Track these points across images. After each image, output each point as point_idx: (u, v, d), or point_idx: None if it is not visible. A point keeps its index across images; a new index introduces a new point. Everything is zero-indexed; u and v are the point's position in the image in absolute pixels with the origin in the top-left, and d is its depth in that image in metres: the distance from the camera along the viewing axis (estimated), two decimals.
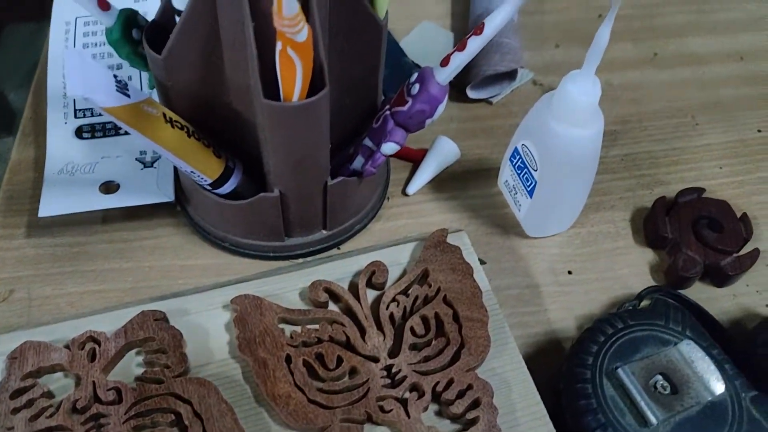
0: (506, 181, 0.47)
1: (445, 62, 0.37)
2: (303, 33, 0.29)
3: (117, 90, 0.33)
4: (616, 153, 0.52)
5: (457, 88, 0.54)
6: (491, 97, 0.55)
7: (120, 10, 0.38)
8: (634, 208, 0.49)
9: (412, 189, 0.48)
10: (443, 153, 0.49)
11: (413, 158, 0.50)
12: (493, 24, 0.36)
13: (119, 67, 0.50)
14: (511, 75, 0.55)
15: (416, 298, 0.38)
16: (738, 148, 0.53)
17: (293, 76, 0.32)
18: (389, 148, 0.40)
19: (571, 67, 0.58)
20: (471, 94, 0.54)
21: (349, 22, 0.37)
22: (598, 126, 0.40)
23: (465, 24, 0.61)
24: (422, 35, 0.60)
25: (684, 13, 0.66)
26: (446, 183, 0.49)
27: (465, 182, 0.49)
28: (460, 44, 0.37)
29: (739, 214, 0.47)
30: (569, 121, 0.39)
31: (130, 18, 0.39)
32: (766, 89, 0.59)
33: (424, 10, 0.63)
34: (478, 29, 0.36)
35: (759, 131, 0.55)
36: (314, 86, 0.34)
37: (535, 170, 0.42)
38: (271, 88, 0.33)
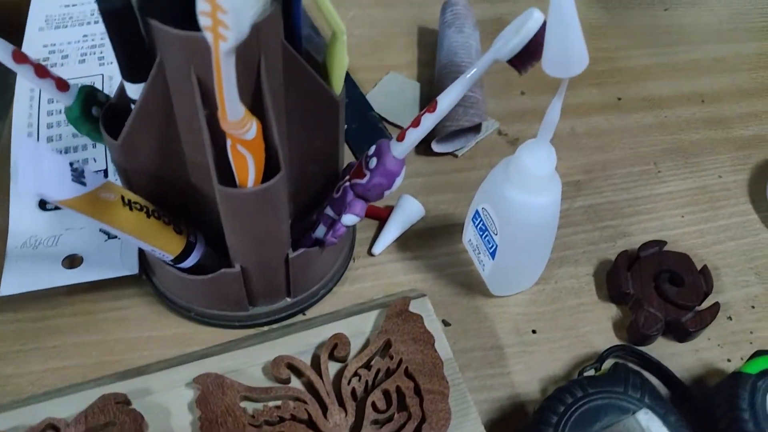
0: (470, 240, 0.47)
1: (401, 137, 0.38)
2: (251, 132, 0.29)
3: (72, 180, 0.33)
4: (580, 204, 0.53)
5: (423, 142, 0.55)
6: (457, 150, 0.55)
7: (79, 89, 0.39)
8: (598, 262, 0.49)
9: (377, 249, 0.48)
10: (408, 212, 0.49)
11: (379, 216, 0.50)
12: (445, 101, 0.36)
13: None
14: (476, 127, 0.55)
15: (378, 371, 0.38)
16: (699, 196, 0.54)
17: (245, 167, 0.32)
18: (349, 219, 0.40)
19: (536, 115, 0.59)
20: (436, 148, 0.54)
21: (306, 100, 0.37)
22: (554, 193, 0.40)
23: (432, 72, 0.62)
24: (389, 86, 0.60)
25: (647, 55, 0.67)
26: (412, 241, 0.49)
27: (431, 240, 0.50)
28: (414, 121, 0.37)
29: (700, 266, 0.47)
30: (526, 189, 0.39)
31: (89, 96, 0.39)
32: (726, 132, 0.60)
33: (392, 59, 0.64)
34: (431, 107, 0.37)
35: (720, 177, 0.56)
36: (270, 169, 0.34)
37: (496, 234, 0.43)
38: (227, 171, 0.34)
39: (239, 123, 0.28)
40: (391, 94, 0.60)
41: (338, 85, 0.38)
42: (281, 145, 0.37)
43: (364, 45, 0.65)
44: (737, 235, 0.52)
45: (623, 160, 0.57)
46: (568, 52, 0.31)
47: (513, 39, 0.33)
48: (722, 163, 0.57)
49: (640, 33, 0.69)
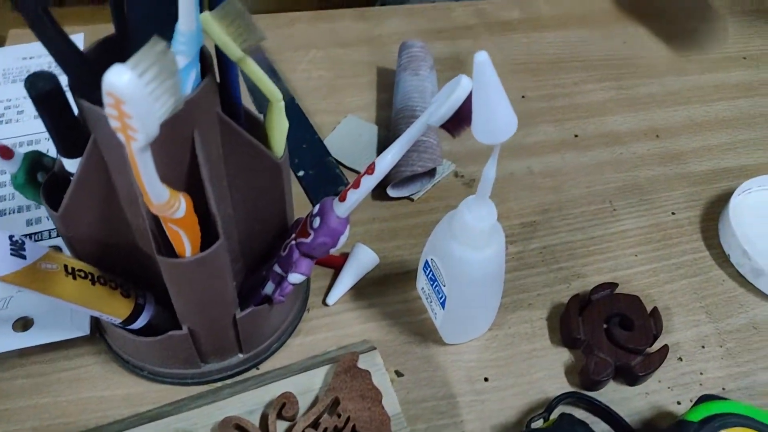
0: (422, 288, 0.48)
1: (342, 198, 0.38)
2: (180, 211, 0.30)
3: (12, 254, 0.34)
4: (535, 246, 0.54)
5: (379, 186, 0.55)
6: (412, 194, 0.56)
7: (24, 156, 0.39)
8: (552, 305, 0.50)
9: (331, 299, 0.48)
10: (361, 261, 0.50)
11: (334, 265, 0.51)
12: (383, 164, 0.37)
13: None
14: (431, 171, 0.56)
15: (326, 429, 0.39)
16: (652, 234, 0.55)
17: (180, 241, 0.32)
18: (296, 278, 0.40)
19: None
20: (392, 192, 0.55)
21: (247, 165, 0.38)
22: (497, 245, 0.41)
23: (390, 114, 0.63)
24: (347, 130, 0.61)
25: (604, 89, 0.68)
26: (366, 290, 0.50)
27: (385, 288, 0.50)
28: (354, 182, 0.38)
29: (651, 306, 0.48)
30: (468, 245, 0.40)
31: (34, 162, 0.39)
32: (680, 167, 0.61)
33: (350, 101, 0.64)
34: (370, 169, 0.37)
35: (673, 213, 0.57)
36: (210, 237, 0.35)
37: (444, 285, 0.43)
38: (167, 240, 0.34)
39: (165, 205, 0.28)
40: (349, 137, 0.60)
41: (279, 149, 0.39)
42: (220, 212, 0.38)
43: (323, 87, 0.66)
44: (689, 272, 0.52)
45: (579, 199, 0.57)
46: (494, 120, 0.32)
47: (443, 106, 0.34)
48: (676, 199, 0.58)
49: (599, 66, 0.70)
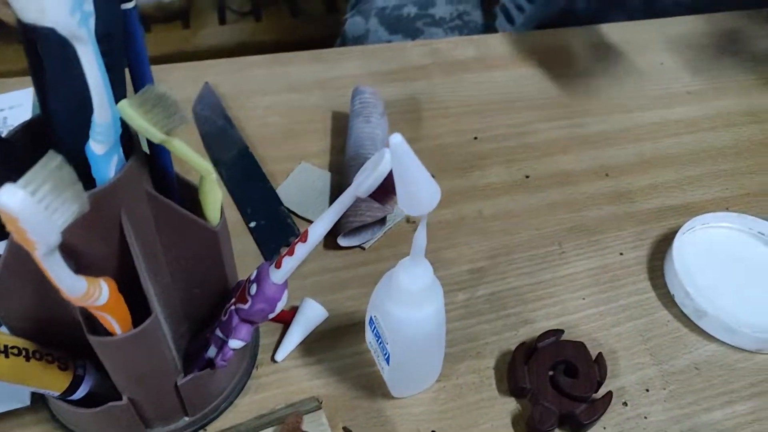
0: (370, 341, 0.48)
1: (278, 264, 0.39)
2: (102, 298, 0.30)
3: None
4: (483, 293, 0.54)
5: (330, 235, 0.56)
6: (364, 243, 0.56)
7: None
8: (500, 354, 0.50)
9: (280, 356, 0.49)
10: (310, 316, 0.50)
11: (283, 320, 0.51)
12: (315, 233, 0.37)
13: None
14: (382, 219, 0.57)
15: None
16: (600, 275, 0.56)
17: (108, 322, 0.33)
18: (236, 344, 0.41)
19: (445, 200, 0.61)
20: (342, 242, 0.55)
21: (182, 235, 0.38)
22: (436, 302, 0.41)
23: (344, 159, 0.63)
24: (300, 178, 0.61)
25: (556, 128, 0.69)
26: (315, 345, 0.50)
27: (335, 341, 0.50)
28: (289, 249, 0.38)
29: (597, 352, 0.49)
30: (406, 305, 0.41)
31: None
32: (629, 206, 0.62)
33: (304, 148, 0.65)
34: (303, 237, 0.38)
35: (621, 254, 0.58)
36: (142, 313, 0.35)
37: (387, 343, 0.44)
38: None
39: (84, 296, 0.28)
40: (303, 185, 0.61)
41: (214, 218, 0.39)
42: (158, 281, 0.38)
43: (278, 134, 0.66)
44: (635, 314, 0.53)
45: (528, 241, 0.58)
46: (416, 195, 0.33)
47: (369, 178, 0.34)
48: (624, 239, 0.59)
49: (551, 104, 0.72)
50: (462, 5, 0.86)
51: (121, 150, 0.32)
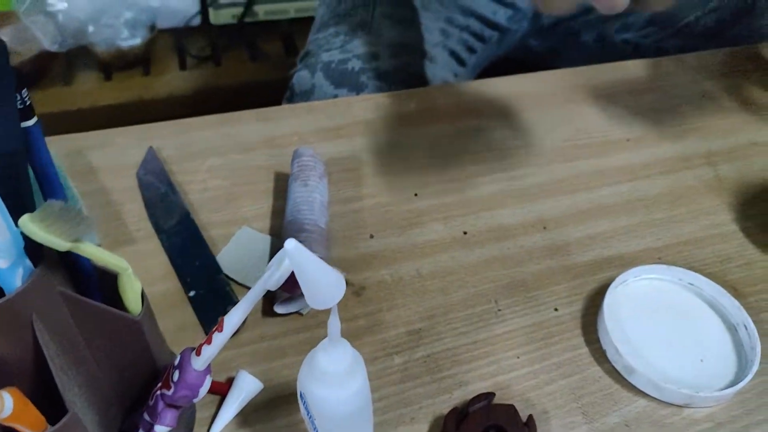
0: (303, 414, 0.49)
1: (198, 352, 0.39)
2: (6, 410, 0.30)
3: None
4: (420, 355, 0.55)
5: (268, 302, 0.57)
6: (301, 309, 0.57)
7: None
8: (434, 418, 0.51)
9: (215, 430, 0.49)
10: (244, 389, 0.50)
11: (220, 392, 0.51)
12: (231, 323, 0.38)
13: None
14: None
15: None
16: (535, 333, 0.57)
17: (20, 430, 0.33)
18: (161, 429, 0.41)
19: (384, 260, 0.62)
20: (279, 309, 0.56)
21: (102, 327, 0.39)
22: (357, 382, 0.42)
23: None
24: (240, 243, 0.62)
25: (495, 181, 0.71)
26: (252, 416, 0.50)
27: (271, 412, 0.51)
28: (207, 338, 0.39)
29: (528, 414, 0.50)
30: (327, 385, 0.41)
31: None
32: (565, 259, 0.63)
33: (246, 211, 0.66)
34: (220, 326, 0.38)
35: (556, 309, 0.59)
36: (59, 409, 0.35)
37: (315, 419, 0.44)
38: None
39: None
40: (243, 250, 0.62)
41: (135, 309, 0.40)
42: (81, 373, 0.38)
43: (221, 197, 0.67)
44: (568, 372, 0.54)
45: (465, 300, 0.59)
46: (318, 291, 0.34)
47: (275, 274, 0.35)
48: (559, 294, 0.60)
49: (491, 157, 0.73)
50: (405, 57, 0.88)
51: (27, 260, 0.32)
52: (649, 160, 0.74)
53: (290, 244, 0.31)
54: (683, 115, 0.80)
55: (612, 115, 0.80)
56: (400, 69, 0.86)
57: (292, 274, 0.36)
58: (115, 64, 1.43)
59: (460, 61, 1.08)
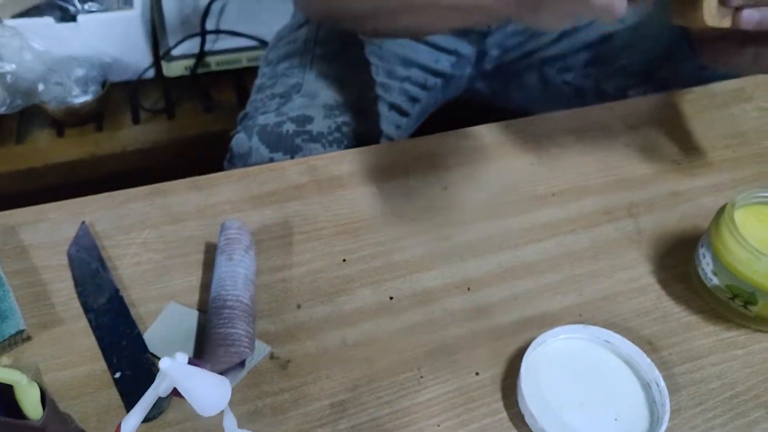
0: None
1: None
2: None
3: None
4: (343, 427, 0.56)
5: None
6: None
7: None
8: None
9: None
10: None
11: None
12: (128, 427, 0.39)
13: None
14: (241, 362, 0.58)
15: None
16: (456, 399, 0.59)
17: None
18: None
19: (310, 330, 0.63)
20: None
21: None
22: None
23: None
24: (168, 319, 0.63)
25: (422, 243, 0.72)
26: None
27: None
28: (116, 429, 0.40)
29: None
30: None
31: None
32: (488, 321, 0.65)
33: (176, 285, 0.67)
34: (117, 430, 0.39)
35: (477, 374, 0.61)
36: None
37: None
38: None
39: None
40: (170, 327, 0.63)
41: (36, 415, 0.40)
42: None
43: (151, 271, 0.68)
44: None
45: (389, 368, 0.61)
46: (201, 401, 0.35)
47: (163, 383, 0.36)
48: (480, 357, 0.62)
49: (419, 218, 0.75)
50: (341, 117, 0.90)
51: None
52: (574, 215, 0.76)
53: (164, 363, 0.32)
54: (608, 165, 0.83)
55: (540, 168, 0.83)
56: (336, 129, 0.88)
57: None
58: (68, 121, 1.43)
59: (403, 113, 1.11)
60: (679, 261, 0.71)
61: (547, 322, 0.65)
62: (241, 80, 1.63)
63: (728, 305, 0.65)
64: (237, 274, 0.62)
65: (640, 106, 0.93)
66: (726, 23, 0.66)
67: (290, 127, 0.86)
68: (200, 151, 1.42)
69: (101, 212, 0.74)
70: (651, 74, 1.16)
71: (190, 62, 1.58)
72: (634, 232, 0.75)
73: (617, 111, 0.91)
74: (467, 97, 1.41)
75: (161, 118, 1.52)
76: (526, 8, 0.60)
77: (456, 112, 1.50)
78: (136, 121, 1.50)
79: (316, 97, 0.90)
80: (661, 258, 0.72)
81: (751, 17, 0.68)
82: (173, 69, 1.57)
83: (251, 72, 1.57)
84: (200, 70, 1.60)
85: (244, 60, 1.62)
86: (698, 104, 0.93)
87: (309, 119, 0.87)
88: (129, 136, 1.45)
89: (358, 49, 1.03)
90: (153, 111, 1.53)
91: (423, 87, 1.20)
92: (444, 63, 1.26)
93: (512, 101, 1.41)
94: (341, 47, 1.02)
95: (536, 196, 0.79)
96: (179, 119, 1.52)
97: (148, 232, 0.72)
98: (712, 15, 0.65)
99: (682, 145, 0.86)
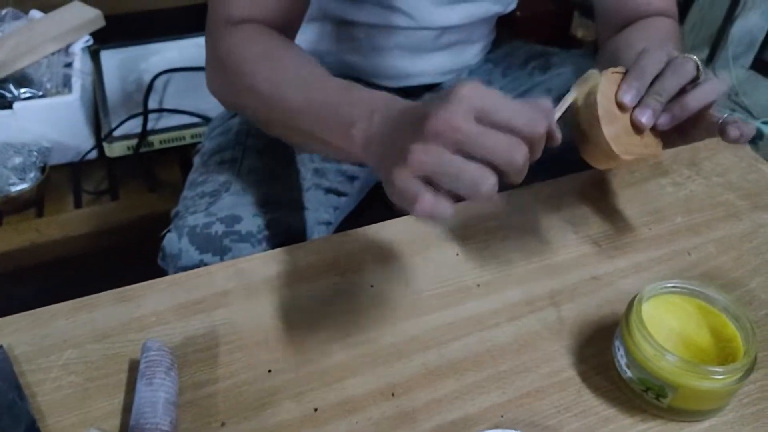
0: None
1: None
2: None
3: None
4: None
5: None
6: None
7: None
8: None
9: None
10: None
11: None
12: None
13: None
14: None
15: None
16: None
17: None
18: None
19: None
20: None
21: None
22: None
23: None
24: None
25: (348, 347, 0.73)
26: None
27: None
28: None
29: None
30: None
31: None
32: (411, 428, 0.65)
33: (99, 409, 0.66)
34: None
35: None
36: None
37: None
38: None
39: None
40: None
41: None
42: None
43: (72, 396, 0.67)
44: None
45: None
46: None
47: None
48: None
49: (344, 321, 0.76)
50: (270, 214, 0.91)
51: None
52: (497, 307, 0.78)
53: None
54: (530, 252, 0.85)
55: (465, 258, 0.84)
56: (265, 227, 0.89)
57: None
58: (6, 210, 1.42)
59: (340, 194, 1.12)
60: (598, 351, 0.73)
61: (469, 424, 0.66)
62: (185, 156, 1.63)
63: (643, 397, 0.66)
64: (157, 399, 0.62)
65: (561, 187, 0.96)
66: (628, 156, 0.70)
67: (219, 228, 0.87)
68: (146, 232, 1.42)
69: (22, 333, 0.73)
70: (563, 157, 1.20)
71: (133, 142, 1.58)
72: (556, 322, 0.76)
73: (539, 193, 0.94)
74: None
75: (105, 200, 1.51)
76: (382, 173, 0.61)
77: None
78: (77, 205, 1.49)
79: (246, 195, 0.91)
80: (582, 348, 0.74)
81: (666, 120, 0.72)
82: (116, 150, 1.58)
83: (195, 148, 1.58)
84: (144, 149, 1.60)
85: (187, 137, 1.63)
86: (617, 181, 0.96)
87: (238, 219, 0.88)
88: (71, 220, 1.44)
89: None
90: (96, 193, 1.52)
91: (361, 164, 1.22)
92: None
93: None
94: (273, 139, 1.03)
95: (461, 288, 0.81)
96: (123, 200, 1.52)
97: (70, 353, 0.71)
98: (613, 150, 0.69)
99: (602, 225, 0.89)
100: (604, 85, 0.72)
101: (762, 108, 2.77)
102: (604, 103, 0.71)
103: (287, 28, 0.88)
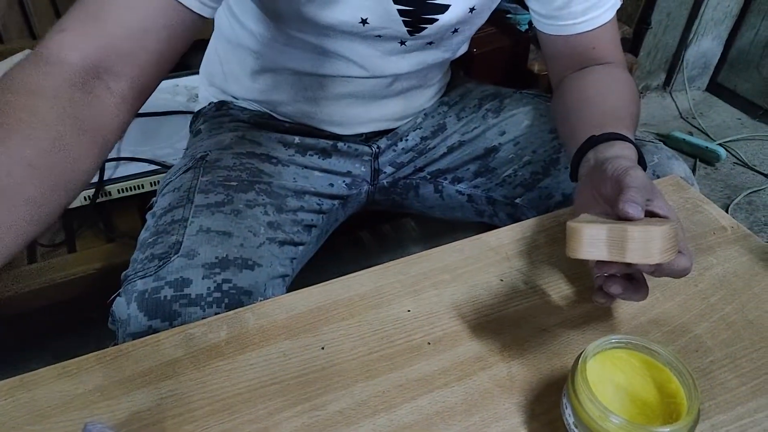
0: None
1: None
2: None
3: None
4: None
5: None
6: None
7: None
8: None
9: None
10: None
11: None
12: None
13: None
14: None
15: None
16: None
17: None
18: None
19: None
20: None
21: None
22: None
23: None
24: None
25: (297, 415, 0.72)
26: None
27: None
28: None
29: None
30: None
31: None
32: None
33: None
34: None
35: None
36: None
37: None
38: None
39: None
40: None
41: None
42: None
43: None
44: None
45: None
46: None
47: None
48: None
49: (295, 386, 0.75)
50: (221, 274, 0.90)
51: None
52: (447, 365, 0.78)
53: None
54: (481, 305, 0.86)
55: (416, 314, 0.84)
56: (215, 289, 0.88)
57: None
58: None
59: (297, 244, 1.11)
60: (549, 407, 0.73)
61: None
62: (145, 203, 1.61)
63: None
64: None
65: (513, 235, 0.96)
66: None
67: (168, 292, 0.86)
68: (105, 284, 1.40)
69: None
70: (534, 184, 1.22)
71: (90, 192, 1.56)
72: (506, 379, 0.76)
73: (491, 242, 0.95)
74: (369, 208, 1.44)
75: (61, 253, 1.48)
76: None
77: (361, 221, 1.53)
78: (32, 260, 1.46)
79: (195, 256, 0.90)
80: (533, 405, 0.74)
81: (616, 291, 0.75)
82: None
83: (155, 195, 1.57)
84: (101, 199, 1.58)
85: (146, 185, 1.61)
86: (565, 231, 0.97)
87: (187, 282, 0.87)
88: (24, 278, 1.41)
89: (242, 194, 1.04)
90: (51, 246, 1.49)
91: (319, 212, 1.22)
92: (340, 186, 1.29)
93: (412, 209, 1.45)
94: (225, 195, 1.03)
95: (412, 346, 0.80)
96: (81, 252, 1.49)
97: None
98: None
99: (552, 274, 0.90)
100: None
101: (718, 128, 2.84)
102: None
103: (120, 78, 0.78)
